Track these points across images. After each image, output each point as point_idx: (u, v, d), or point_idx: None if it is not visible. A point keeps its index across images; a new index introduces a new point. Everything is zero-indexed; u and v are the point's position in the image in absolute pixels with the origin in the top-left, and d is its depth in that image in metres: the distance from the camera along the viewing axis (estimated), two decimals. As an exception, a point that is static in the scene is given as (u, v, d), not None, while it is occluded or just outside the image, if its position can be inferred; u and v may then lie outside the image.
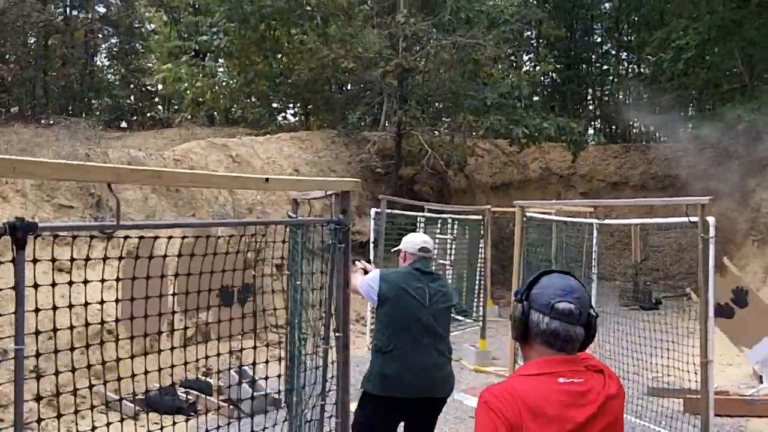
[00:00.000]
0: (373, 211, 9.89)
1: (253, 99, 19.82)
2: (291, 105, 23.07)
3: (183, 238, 2.80)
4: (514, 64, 21.09)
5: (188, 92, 18.05)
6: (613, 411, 2.00)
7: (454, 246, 12.30)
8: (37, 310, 2.51)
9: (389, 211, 9.74)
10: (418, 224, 11.22)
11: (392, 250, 4.99)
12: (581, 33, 27.91)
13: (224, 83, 19.19)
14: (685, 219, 5.10)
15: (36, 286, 2.48)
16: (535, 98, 24.23)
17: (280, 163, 13.42)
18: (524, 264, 7.37)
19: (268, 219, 9.42)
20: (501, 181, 20.47)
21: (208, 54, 19.66)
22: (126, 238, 2.71)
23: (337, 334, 2.83)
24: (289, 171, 13.41)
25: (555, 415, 1.89)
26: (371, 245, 10.12)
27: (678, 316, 7.29)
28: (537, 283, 2.07)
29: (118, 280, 2.84)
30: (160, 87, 21.96)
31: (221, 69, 19.98)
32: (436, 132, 17.18)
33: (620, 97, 27.75)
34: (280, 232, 3.59)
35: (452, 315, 12.67)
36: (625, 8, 25.89)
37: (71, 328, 2.66)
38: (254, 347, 3.40)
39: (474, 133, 18.66)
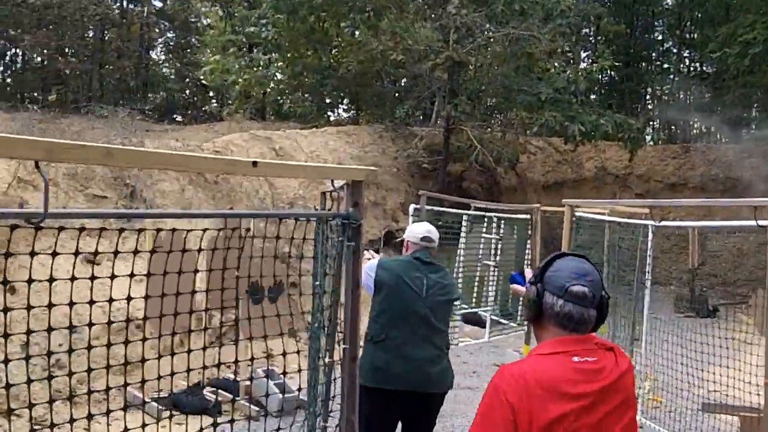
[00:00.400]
0: (412, 207, 9.53)
1: (304, 93, 19.67)
2: (341, 100, 22.88)
3: (204, 230, 2.58)
4: (572, 61, 20.41)
5: (236, 85, 18.01)
6: (626, 387, 2.04)
7: (500, 246, 11.84)
8: (50, 306, 2.34)
9: (433, 208, 9.38)
10: (463, 223, 10.83)
11: (395, 241, 4.78)
12: (641, 30, 27.06)
13: (271, 75, 19.05)
14: (752, 222, 4.64)
15: (51, 280, 2.26)
16: (592, 96, 23.55)
17: (324, 157, 13.19)
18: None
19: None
20: (554, 180, 19.85)
21: (258, 46, 19.61)
22: (143, 230, 2.50)
23: (343, 346, 2.49)
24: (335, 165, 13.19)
25: (571, 393, 1.91)
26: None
27: (736, 327, 6.78)
28: (551, 265, 2.07)
29: (131, 275, 2.63)
30: (209, 79, 22.05)
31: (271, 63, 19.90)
32: (488, 128, 16.71)
33: (681, 96, 26.78)
34: (311, 228, 3.35)
35: (496, 318, 12.26)
36: (688, 4, 24.93)
37: (90, 325, 2.46)
38: (283, 352, 3.14)
39: (527, 131, 18.14)
